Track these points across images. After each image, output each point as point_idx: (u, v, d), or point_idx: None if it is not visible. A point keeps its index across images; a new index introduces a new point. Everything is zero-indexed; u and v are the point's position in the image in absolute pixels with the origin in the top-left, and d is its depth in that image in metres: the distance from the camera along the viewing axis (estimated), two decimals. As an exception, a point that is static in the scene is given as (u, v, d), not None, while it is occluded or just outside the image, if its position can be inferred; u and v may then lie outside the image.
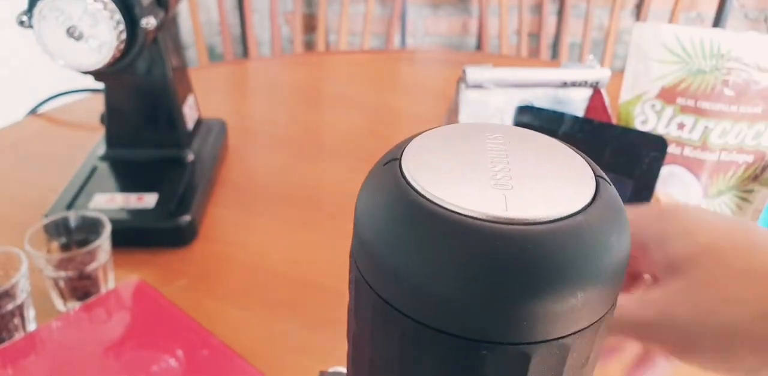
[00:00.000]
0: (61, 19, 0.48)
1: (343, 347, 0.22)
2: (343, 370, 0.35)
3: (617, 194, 0.18)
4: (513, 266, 0.14)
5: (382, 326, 0.17)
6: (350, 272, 0.19)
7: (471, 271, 0.14)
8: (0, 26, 1.32)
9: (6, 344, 0.43)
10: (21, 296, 0.44)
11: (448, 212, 0.15)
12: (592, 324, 0.17)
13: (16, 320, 0.44)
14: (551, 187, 0.17)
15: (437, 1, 1.54)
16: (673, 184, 0.53)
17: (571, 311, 0.15)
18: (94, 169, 0.60)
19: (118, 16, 0.48)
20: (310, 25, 1.51)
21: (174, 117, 0.61)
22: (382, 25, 1.52)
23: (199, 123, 0.67)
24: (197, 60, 1.31)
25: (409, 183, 0.16)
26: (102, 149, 0.62)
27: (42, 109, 0.78)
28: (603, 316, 0.18)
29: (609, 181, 0.19)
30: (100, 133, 0.63)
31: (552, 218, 0.15)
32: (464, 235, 0.14)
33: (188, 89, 0.65)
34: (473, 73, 0.45)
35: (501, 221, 0.15)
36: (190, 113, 0.64)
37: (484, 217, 0.15)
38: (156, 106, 0.60)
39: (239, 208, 0.61)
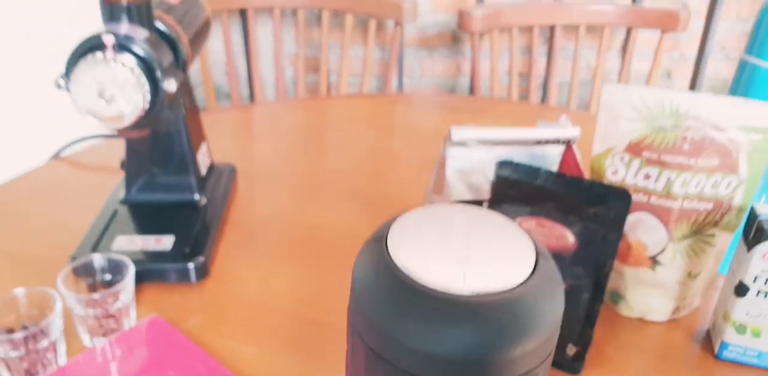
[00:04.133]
0: (94, 83, 0.54)
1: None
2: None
3: (554, 265, 0.24)
4: (466, 328, 0.20)
5: (371, 370, 0.22)
6: (348, 324, 0.24)
7: (433, 330, 0.20)
8: (21, 75, 1.40)
9: (40, 376, 0.48)
10: (55, 334, 0.49)
11: (420, 286, 0.20)
12: (533, 368, 0.22)
13: (50, 355, 0.49)
14: (500, 263, 0.22)
15: (432, 45, 1.62)
16: (642, 230, 0.58)
17: (512, 359, 0.21)
18: (115, 213, 0.66)
19: (144, 79, 0.55)
20: (313, 66, 1.59)
21: (189, 165, 0.67)
22: (380, 67, 1.60)
23: (211, 168, 0.73)
24: (205, 99, 1.38)
25: (392, 260, 0.22)
26: (122, 193, 0.68)
27: (64, 154, 0.84)
28: (542, 362, 0.23)
29: (547, 255, 0.24)
30: (119, 175, 0.69)
31: (499, 290, 0.21)
32: (431, 304, 0.20)
33: (201, 137, 0.71)
34: (457, 133, 0.51)
35: (459, 294, 0.20)
36: (203, 160, 0.70)
37: (446, 290, 0.20)
38: (172, 155, 0.66)
39: (247, 248, 0.67)
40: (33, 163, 0.82)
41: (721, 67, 1.67)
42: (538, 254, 0.23)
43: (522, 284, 0.21)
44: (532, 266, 0.22)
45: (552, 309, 0.22)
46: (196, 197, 0.67)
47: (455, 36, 1.60)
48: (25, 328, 0.50)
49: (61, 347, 0.50)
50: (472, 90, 1.42)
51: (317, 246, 0.68)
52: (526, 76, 1.54)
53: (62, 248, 0.62)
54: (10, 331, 0.49)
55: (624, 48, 1.40)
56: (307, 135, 0.95)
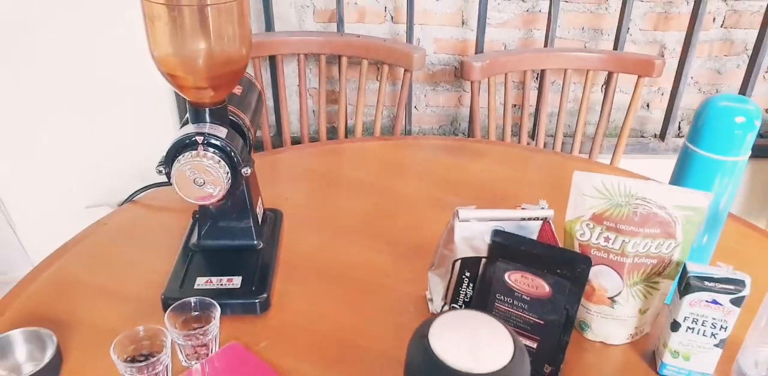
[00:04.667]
0: (189, 174, 0.70)
1: None
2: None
3: (525, 350, 0.42)
4: None
5: None
6: None
7: None
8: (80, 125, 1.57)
9: (158, 390, 0.66)
10: (166, 361, 0.66)
11: (450, 368, 0.38)
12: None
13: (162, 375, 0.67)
14: (492, 351, 0.40)
15: (436, 80, 1.80)
16: (603, 278, 0.76)
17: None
18: (191, 256, 0.83)
19: (226, 169, 0.71)
20: (331, 98, 1.77)
21: (250, 215, 0.84)
22: (392, 99, 1.78)
23: (264, 215, 0.90)
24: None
25: (432, 350, 0.40)
26: (194, 239, 0.85)
27: (136, 198, 1.01)
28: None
29: (521, 345, 0.42)
30: (185, 218, 0.84)
31: (492, 370, 0.38)
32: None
33: (258, 193, 0.88)
34: (464, 213, 0.69)
35: (475, 372, 0.38)
36: (259, 211, 0.88)
37: (468, 371, 0.38)
38: (238, 210, 0.83)
39: (295, 282, 0.84)
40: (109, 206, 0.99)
41: (693, 98, 1.84)
42: (515, 343, 0.42)
43: (506, 365, 0.39)
44: (512, 352, 0.41)
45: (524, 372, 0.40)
46: (256, 242, 0.85)
47: (457, 72, 1.78)
48: (141, 356, 0.67)
49: (170, 369, 0.68)
50: (471, 120, 1.60)
51: (350, 280, 0.85)
52: (519, 107, 1.72)
53: (152, 284, 0.79)
54: (132, 359, 0.66)
55: (606, 84, 1.58)
56: (329, 177, 1.12)
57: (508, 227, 0.71)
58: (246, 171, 0.73)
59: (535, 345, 0.71)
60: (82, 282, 0.83)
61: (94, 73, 1.54)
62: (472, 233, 0.71)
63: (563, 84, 1.54)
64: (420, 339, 0.42)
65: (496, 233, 0.70)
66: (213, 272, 0.81)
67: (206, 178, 0.71)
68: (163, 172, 0.71)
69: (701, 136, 0.75)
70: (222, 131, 0.72)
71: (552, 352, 0.71)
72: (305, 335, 0.76)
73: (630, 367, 0.75)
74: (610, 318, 0.77)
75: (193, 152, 0.69)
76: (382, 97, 1.52)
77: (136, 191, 1.00)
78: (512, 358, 0.41)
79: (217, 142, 0.71)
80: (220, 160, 0.70)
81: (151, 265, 0.86)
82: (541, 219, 0.71)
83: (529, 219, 0.70)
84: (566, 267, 0.70)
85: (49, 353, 0.66)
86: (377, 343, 0.75)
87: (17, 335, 0.68)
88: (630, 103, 1.52)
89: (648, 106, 1.86)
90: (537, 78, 1.74)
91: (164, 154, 0.71)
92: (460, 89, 1.79)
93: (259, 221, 0.87)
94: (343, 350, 0.74)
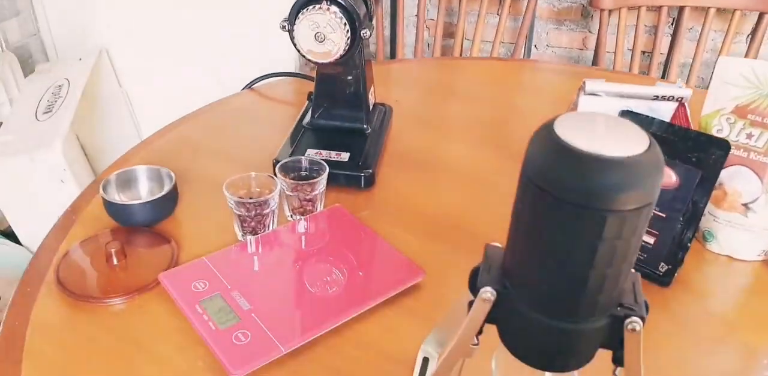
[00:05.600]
0: (312, 27, 0.71)
1: (476, 262, 0.41)
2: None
3: (657, 145, 0.38)
4: (608, 176, 0.34)
5: (536, 202, 0.37)
6: (520, 177, 0.39)
7: (582, 172, 0.34)
8: (220, 27, 1.64)
9: (263, 234, 0.67)
10: (273, 205, 0.68)
11: (581, 152, 0.35)
12: (644, 206, 0.37)
13: (268, 220, 0.68)
14: (624, 140, 0.36)
15: (561, 17, 1.71)
16: (739, 180, 0.69)
17: (631, 196, 0.35)
18: (303, 132, 0.84)
19: (347, 27, 0.71)
20: (448, 32, 1.73)
21: (362, 101, 0.84)
22: (511, 36, 1.71)
23: (374, 106, 0.90)
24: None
25: (556, 133, 0.37)
26: (307, 119, 0.86)
27: (255, 86, 1.04)
28: (649, 203, 0.37)
29: (655, 142, 0.38)
30: (296, 107, 0.86)
31: (630, 154, 0.35)
32: (586, 158, 0.34)
33: (371, 81, 0.88)
34: (590, 85, 0.64)
35: (601, 155, 0.35)
36: (371, 98, 0.87)
37: (591, 152, 0.35)
38: (352, 92, 0.83)
39: (400, 168, 0.83)
40: (231, 91, 1.03)
41: None
42: (650, 141, 0.37)
43: (644, 151, 0.35)
44: (648, 142, 0.36)
45: (658, 170, 0.36)
46: (365, 126, 0.85)
47: (584, 11, 1.69)
48: (251, 199, 0.69)
49: (275, 217, 0.69)
50: (595, 63, 1.51)
51: (456, 173, 0.84)
52: (648, 54, 1.61)
53: (264, 152, 0.81)
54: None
55: (753, 33, 1.44)
56: (442, 87, 1.10)
57: (638, 109, 0.66)
58: (365, 33, 0.72)
59: (652, 241, 0.66)
60: (201, 145, 0.87)
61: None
62: (598, 110, 0.66)
63: (702, 29, 1.42)
64: (544, 128, 0.39)
65: (624, 113, 0.66)
66: (323, 146, 0.82)
67: (327, 34, 0.71)
68: (287, 28, 0.72)
69: None
70: (347, -10, 0.72)
71: (671, 250, 0.66)
72: (407, 210, 0.75)
73: (760, 288, 0.68)
74: (742, 229, 0.70)
75: (317, 6, 0.69)
76: (501, 30, 1.47)
77: (255, 79, 1.02)
78: (648, 147, 0.37)
79: (341, 1, 0.71)
80: (342, 17, 0.70)
81: (265, 137, 0.88)
82: (677, 99, 0.65)
83: (663, 98, 0.65)
84: (700, 153, 0.64)
85: (168, 187, 0.69)
86: (479, 226, 0.73)
87: (141, 171, 0.72)
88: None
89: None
90: (672, 23, 1.62)
91: (289, 11, 0.72)
92: (585, 30, 1.70)
93: (370, 107, 0.87)
94: (443, 227, 0.73)
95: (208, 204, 0.73)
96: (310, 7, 0.70)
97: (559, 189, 0.35)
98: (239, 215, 0.66)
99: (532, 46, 1.72)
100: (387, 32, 1.74)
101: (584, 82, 0.65)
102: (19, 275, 0.62)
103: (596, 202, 0.34)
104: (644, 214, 0.37)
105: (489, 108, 1.02)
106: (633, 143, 0.36)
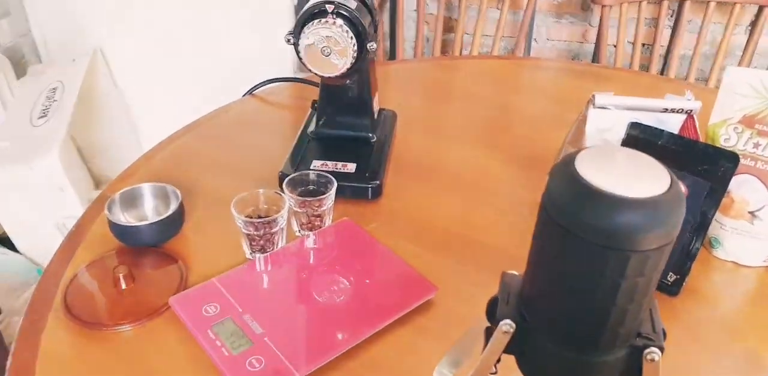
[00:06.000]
0: (317, 41, 0.70)
1: (486, 275, 0.42)
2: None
3: (679, 182, 0.38)
4: (632, 217, 0.34)
5: (557, 240, 0.37)
6: (539, 210, 0.39)
7: (606, 213, 0.34)
8: (220, 30, 1.62)
9: (272, 251, 0.67)
10: (282, 223, 0.67)
11: (601, 192, 0.35)
12: (665, 245, 0.37)
13: (276, 238, 0.68)
14: (646, 179, 0.36)
15: (562, 11, 1.70)
16: (746, 189, 0.70)
17: (654, 236, 0.35)
18: (308, 141, 0.84)
19: (354, 40, 0.71)
20: (448, 26, 1.72)
21: (367, 108, 0.83)
22: (511, 30, 1.70)
23: (380, 113, 0.89)
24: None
25: (578, 171, 0.36)
26: (311, 127, 0.86)
27: (256, 92, 1.03)
28: (669, 243, 0.37)
29: (677, 178, 0.38)
30: (298, 112, 0.86)
31: (652, 195, 0.35)
32: (608, 200, 0.34)
33: (376, 87, 0.87)
34: (600, 98, 0.64)
35: (624, 196, 0.34)
36: (375, 106, 0.87)
37: (614, 192, 0.34)
38: (356, 100, 0.82)
39: (407, 177, 0.83)
40: (232, 98, 1.02)
41: None
42: (671, 176, 0.37)
43: (665, 192, 0.35)
44: (669, 183, 0.36)
45: (678, 216, 0.35)
46: (371, 134, 0.84)
47: (584, 4, 1.68)
48: (259, 217, 0.69)
49: (284, 234, 0.69)
50: (595, 56, 1.51)
51: (462, 180, 0.83)
52: (649, 47, 1.60)
53: (269, 163, 0.81)
54: (249, 218, 0.68)
55: (753, 25, 1.43)
56: (440, 89, 1.09)
57: (647, 121, 0.66)
58: (372, 46, 0.71)
59: (660, 250, 0.66)
60: (204, 156, 0.86)
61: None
62: (607, 123, 0.66)
63: (702, 22, 1.41)
64: (565, 166, 0.38)
65: (633, 125, 0.65)
66: (329, 157, 0.81)
67: (333, 47, 0.70)
68: (291, 41, 0.71)
69: None
70: (352, 3, 0.71)
71: (680, 259, 0.66)
72: (415, 222, 0.75)
73: (764, 293, 0.69)
74: (748, 236, 0.71)
75: (323, 20, 0.69)
76: (502, 25, 1.46)
77: (257, 84, 1.01)
78: (670, 186, 0.36)
79: (347, 13, 0.70)
80: (348, 30, 0.69)
81: (269, 148, 0.87)
82: (686, 112, 0.65)
83: (672, 111, 0.64)
84: (709, 165, 0.64)
85: (174, 206, 0.69)
86: (487, 236, 0.73)
87: (146, 188, 0.71)
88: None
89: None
90: (673, 15, 1.61)
91: (295, 23, 0.71)
92: (585, 23, 1.69)
93: (375, 115, 0.86)
94: (451, 239, 0.73)
95: (214, 220, 0.73)
96: (316, 20, 0.69)
97: (582, 229, 0.35)
98: (248, 234, 0.66)
99: (532, 40, 1.71)
100: (386, 27, 1.72)
101: (593, 96, 0.65)
102: (16, 283, 0.61)
103: (619, 242, 0.34)
104: (666, 251, 0.37)
105: (491, 110, 1.02)
106: (655, 181, 0.36)
